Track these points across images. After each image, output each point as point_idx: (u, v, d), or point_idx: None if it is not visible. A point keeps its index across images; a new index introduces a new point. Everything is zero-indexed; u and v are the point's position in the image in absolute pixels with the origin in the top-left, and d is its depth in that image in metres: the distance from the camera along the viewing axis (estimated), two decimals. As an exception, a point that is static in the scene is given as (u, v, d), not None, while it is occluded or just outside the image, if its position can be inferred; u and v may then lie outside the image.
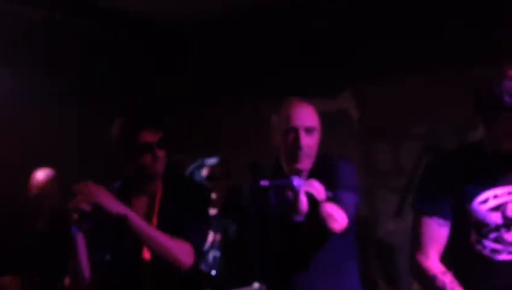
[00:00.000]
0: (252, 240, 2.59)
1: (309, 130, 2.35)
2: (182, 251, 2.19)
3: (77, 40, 4.48)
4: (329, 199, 2.21)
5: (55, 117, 4.29)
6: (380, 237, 4.19)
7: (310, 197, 2.17)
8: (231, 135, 4.69)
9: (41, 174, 3.70)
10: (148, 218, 2.30)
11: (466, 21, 3.85)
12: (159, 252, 2.18)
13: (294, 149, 2.34)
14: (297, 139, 2.33)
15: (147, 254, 2.28)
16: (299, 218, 2.19)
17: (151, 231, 2.17)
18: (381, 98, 4.17)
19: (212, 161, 3.48)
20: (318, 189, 2.17)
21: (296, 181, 2.23)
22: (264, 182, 2.26)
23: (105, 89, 4.60)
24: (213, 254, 3.37)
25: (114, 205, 2.12)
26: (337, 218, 2.19)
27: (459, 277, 2.03)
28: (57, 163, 3.93)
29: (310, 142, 2.35)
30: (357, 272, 2.49)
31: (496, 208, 1.99)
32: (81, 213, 2.08)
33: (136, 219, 2.14)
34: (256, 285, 3.03)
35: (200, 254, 2.35)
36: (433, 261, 2.06)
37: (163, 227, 2.25)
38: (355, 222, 2.36)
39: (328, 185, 2.23)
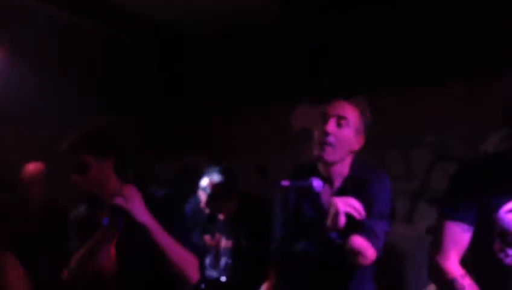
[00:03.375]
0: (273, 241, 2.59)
1: (340, 120, 2.37)
2: (191, 265, 2.28)
3: (92, 44, 4.51)
4: (362, 228, 2.23)
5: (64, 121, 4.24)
6: (389, 241, 4.19)
7: (348, 215, 2.19)
8: (244, 145, 4.72)
9: (31, 168, 3.75)
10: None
11: (474, 39, 3.93)
12: (172, 263, 2.24)
13: (319, 136, 2.37)
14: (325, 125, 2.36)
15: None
16: (334, 235, 2.21)
17: (170, 243, 2.23)
18: (395, 107, 4.22)
19: (216, 177, 3.34)
20: (357, 208, 2.19)
21: (316, 182, 2.25)
22: (285, 182, 2.29)
23: (117, 98, 4.61)
24: (224, 261, 3.36)
25: (141, 214, 2.18)
26: (366, 255, 2.23)
27: (480, 284, 2.03)
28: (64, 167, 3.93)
29: (337, 132, 2.35)
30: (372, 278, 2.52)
31: None
32: (114, 209, 2.16)
33: (157, 231, 2.20)
34: None
35: None
36: (453, 264, 2.05)
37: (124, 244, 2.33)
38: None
39: (363, 205, 2.23)
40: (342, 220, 2.16)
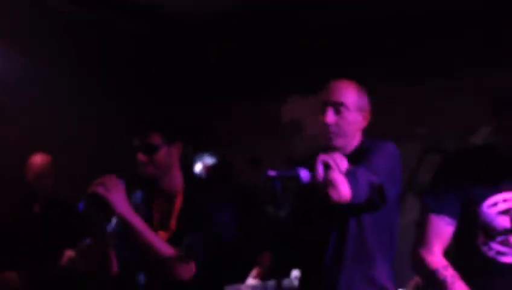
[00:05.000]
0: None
1: (338, 106, 2.27)
2: (178, 264, 2.13)
3: (97, 36, 4.50)
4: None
5: (72, 112, 4.33)
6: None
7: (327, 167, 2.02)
8: (235, 137, 4.70)
9: (38, 159, 3.75)
10: (163, 223, 2.30)
11: (465, 34, 3.96)
12: (155, 260, 2.13)
13: (322, 128, 2.28)
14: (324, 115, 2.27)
15: None
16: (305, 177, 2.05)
17: (151, 238, 2.12)
18: (386, 99, 4.21)
19: (209, 160, 3.35)
20: (337, 160, 2.02)
21: (303, 173, 2.20)
22: (272, 172, 2.23)
23: (124, 88, 4.61)
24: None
25: (119, 205, 2.08)
26: (339, 188, 1.99)
27: (463, 276, 2.06)
28: (73, 157, 3.96)
29: (338, 120, 2.27)
30: (387, 262, 2.34)
31: (504, 212, 2.02)
32: (92, 197, 2.06)
33: (137, 225, 2.10)
34: (295, 272, 2.99)
35: (203, 267, 2.23)
36: (435, 257, 2.08)
37: (179, 234, 2.23)
38: (392, 210, 2.26)
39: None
40: (320, 169, 1.99)
